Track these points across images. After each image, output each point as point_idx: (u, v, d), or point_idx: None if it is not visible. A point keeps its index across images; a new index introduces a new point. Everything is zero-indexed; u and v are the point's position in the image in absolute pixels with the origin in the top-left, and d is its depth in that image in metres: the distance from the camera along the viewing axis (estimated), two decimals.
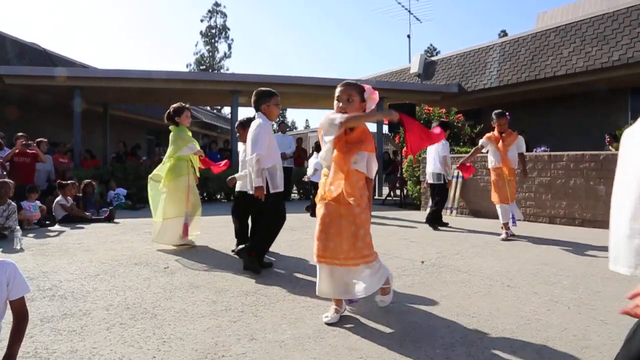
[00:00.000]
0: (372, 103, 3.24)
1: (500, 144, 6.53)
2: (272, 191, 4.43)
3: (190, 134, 5.83)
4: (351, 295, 3.17)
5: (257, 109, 4.54)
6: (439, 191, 7.68)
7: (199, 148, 5.82)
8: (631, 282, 4.04)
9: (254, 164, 4.27)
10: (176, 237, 5.65)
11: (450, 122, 9.91)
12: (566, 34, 12.38)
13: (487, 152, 6.79)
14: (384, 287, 3.21)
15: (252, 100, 4.56)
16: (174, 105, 5.77)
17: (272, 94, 4.55)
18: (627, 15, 11.12)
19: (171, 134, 5.75)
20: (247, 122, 5.01)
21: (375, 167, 3.22)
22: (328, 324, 3.01)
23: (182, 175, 5.66)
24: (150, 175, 5.83)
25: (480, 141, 6.83)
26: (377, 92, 3.26)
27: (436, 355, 2.54)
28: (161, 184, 5.66)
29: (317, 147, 10.41)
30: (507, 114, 6.66)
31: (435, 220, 7.51)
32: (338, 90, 3.19)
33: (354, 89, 3.19)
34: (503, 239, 6.30)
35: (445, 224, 7.76)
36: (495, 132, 6.61)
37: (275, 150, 4.54)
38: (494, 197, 6.63)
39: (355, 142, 3.11)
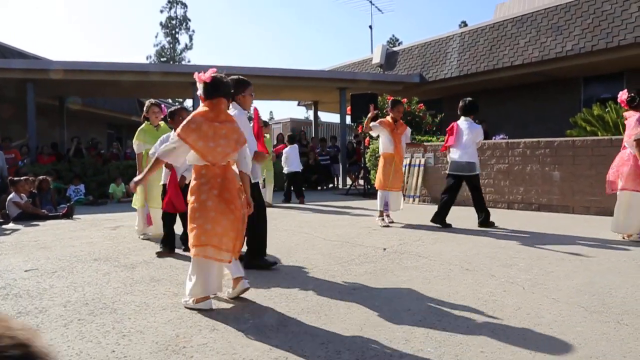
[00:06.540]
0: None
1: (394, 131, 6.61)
2: (252, 181, 4.41)
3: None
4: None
5: (232, 99, 4.24)
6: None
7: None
8: (582, 262, 4.22)
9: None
10: (142, 225, 5.96)
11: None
12: (522, 25, 12.70)
13: (378, 137, 6.98)
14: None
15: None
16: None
17: (248, 83, 4.48)
18: (578, 7, 11.48)
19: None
20: (176, 112, 5.10)
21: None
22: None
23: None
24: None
25: (372, 124, 6.70)
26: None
27: (395, 338, 2.60)
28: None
29: (291, 139, 10.41)
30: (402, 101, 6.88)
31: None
32: None
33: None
34: (384, 226, 6.48)
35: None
36: (389, 119, 6.67)
37: (252, 140, 4.50)
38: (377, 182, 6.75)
39: None
